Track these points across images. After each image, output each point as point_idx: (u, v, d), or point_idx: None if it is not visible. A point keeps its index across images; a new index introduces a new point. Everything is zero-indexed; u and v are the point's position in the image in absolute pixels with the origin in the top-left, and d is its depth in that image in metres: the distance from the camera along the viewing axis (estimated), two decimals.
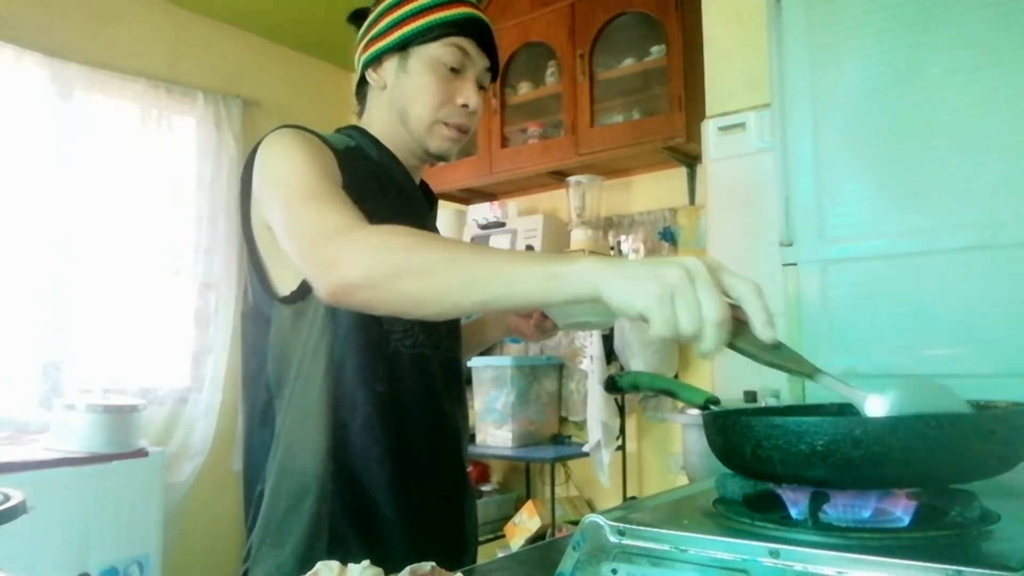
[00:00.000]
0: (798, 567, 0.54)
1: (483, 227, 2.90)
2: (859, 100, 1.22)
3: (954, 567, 0.48)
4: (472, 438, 2.85)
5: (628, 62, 2.61)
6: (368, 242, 0.74)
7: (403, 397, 0.96)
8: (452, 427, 1.04)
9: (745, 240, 1.51)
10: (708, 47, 1.61)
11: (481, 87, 1.04)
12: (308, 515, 0.91)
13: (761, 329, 0.59)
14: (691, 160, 2.60)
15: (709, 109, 1.59)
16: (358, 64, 1.06)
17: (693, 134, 2.27)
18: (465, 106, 1.01)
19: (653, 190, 2.78)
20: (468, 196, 3.16)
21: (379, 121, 1.05)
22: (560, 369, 2.92)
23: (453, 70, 1.00)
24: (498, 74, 1.07)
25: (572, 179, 2.70)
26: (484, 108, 1.10)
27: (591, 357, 2.54)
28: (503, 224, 2.87)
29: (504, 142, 2.85)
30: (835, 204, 1.24)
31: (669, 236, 2.61)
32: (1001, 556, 0.53)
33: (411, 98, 1.00)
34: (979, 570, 0.47)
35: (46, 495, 1.97)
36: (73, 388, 2.60)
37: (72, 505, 2.09)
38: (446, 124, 1.01)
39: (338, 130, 1.06)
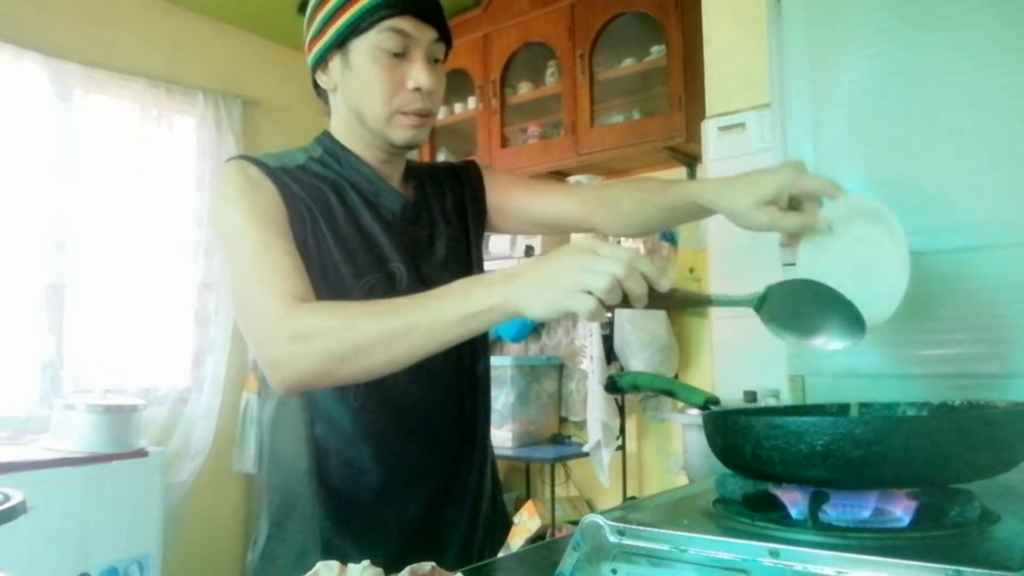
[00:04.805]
0: (798, 567, 0.54)
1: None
2: (859, 100, 1.22)
3: (954, 567, 0.48)
4: None
5: (628, 62, 2.61)
6: (300, 334, 0.77)
7: (388, 405, 0.93)
8: (457, 418, 1.00)
9: (745, 240, 1.51)
10: (708, 47, 1.61)
11: (436, 60, 0.96)
12: (295, 534, 0.91)
13: (658, 283, 0.68)
14: (691, 160, 2.60)
15: (709, 109, 1.59)
16: (307, 67, 1.00)
17: (693, 134, 2.27)
18: (418, 89, 0.93)
19: None
20: None
21: (340, 123, 1.00)
22: (560, 369, 2.92)
23: (398, 55, 0.92)
24: (451, 42, 0.98)
25: (572, 179, 2.70)
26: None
27: (591, 357, 2.54)
28: None
29: (504, 142, 2.85)
30: None
31: (669, 236, 2.61)
32: (1001, 556, 0.53)
33: (361, 95, 0.94)
34: (979, 570, 0.47)
35: (46, 495, 1.97)
36: (73, 388, 2.60)
37: (72, 505, 2.09)
38: (404, 113, 0.94)
39: (316, 138, 1.03)
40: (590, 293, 0.66)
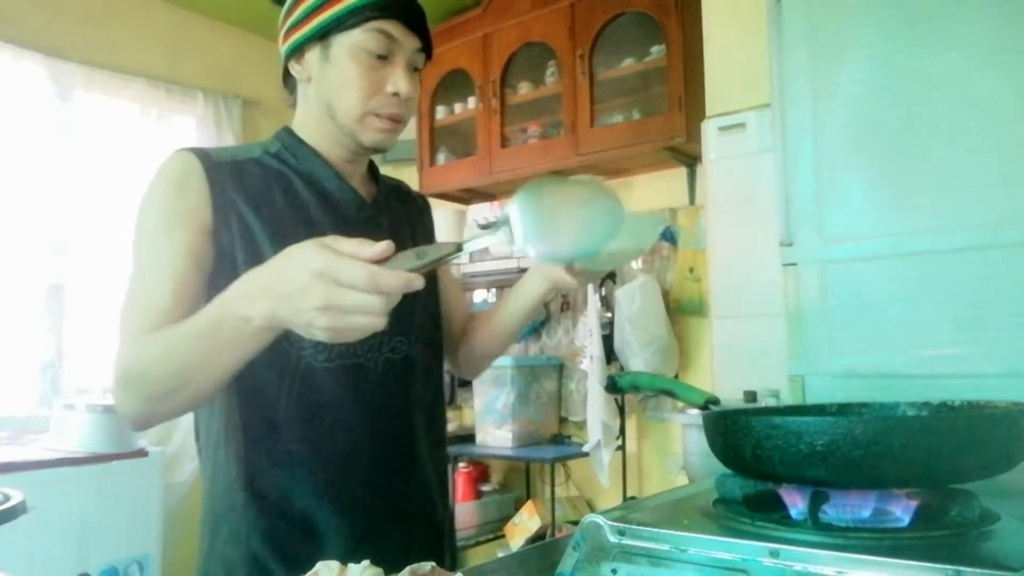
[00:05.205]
0: (798, 567, 0.54)
1: (483, 227, 2.90)
2: (859, 100, 1.22)
3: (954, 567, 0.48)
4: (472, 438, 2.85)
5: (628, 62, 2.61)
6: (123, 378, 0.79)
7: (320, 416, 0.90)
8: (395, 434, 0.96)
9: (745, 240, 1.51)
10: (708, 47, 1.61)
11: (416, 69, 0.96)
12: (225, 550, 0.89)
13: (408, 285, 0.64)
14: (691, 160, 2.60)
15: (709, 109, 1.59)
16: (280, 55, 0.98)
17: (693, 134, 2.27)
18: (396, 94, 0.92)
19: (653, 190, 2.78)
20: (468, 196, 3.16)
21: (308, 115, 0.98)
22: (560, 369, 2.92)
23: (380, 57, 0.91)
24: (431, 54, 0.98)
25: (572, 179, 2.69)
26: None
27: (591, 357, 2.54)
28: None
29: (504, 142, 2.85)
30: (835, 204, 1.24)
31: (669, 236, 2.61)
32: (1001, 556, 0.53)
33: (337, 90, 0.93)
34: (979, 570, 0.47)
35: (46, 495, 1.96)
36: (73, 388, 2.60)
37: (72, 505, 2.09)
38: (377, 115, 0.93)
39: (276, 133, 1.01)
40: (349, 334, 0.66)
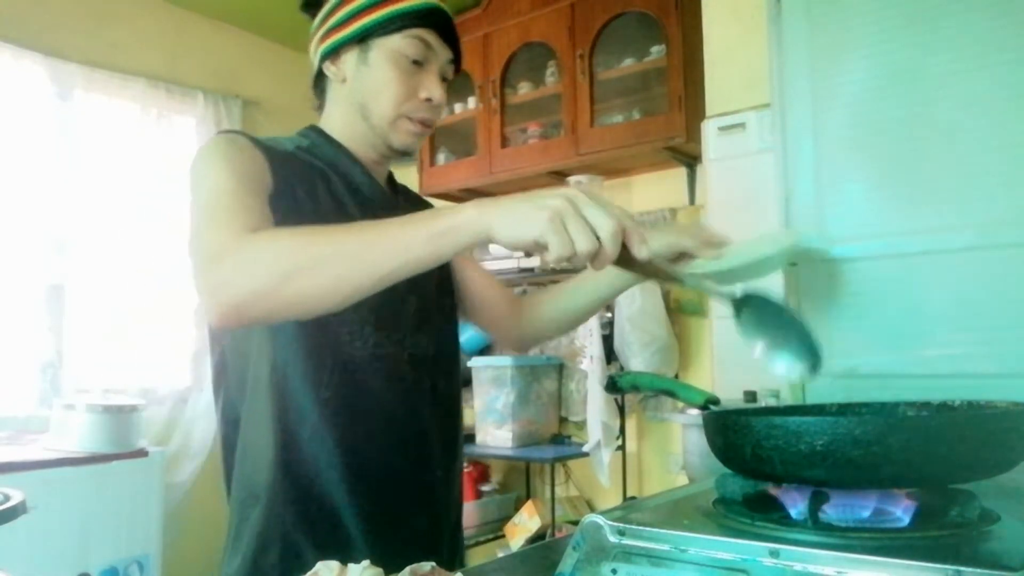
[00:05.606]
0: (798, 567, 0.54)
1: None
2: (859, 100, 1.22)
3: (954, 567, 0.48)
4: (472, 438, 2.85)
5: (628, 62, 2.61)
6: (248, 254, 0.72)
7: (355, 402, 0.93)
8: (419, 427, 1.00)
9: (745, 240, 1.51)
10: (708, 47, 1.61)
11: (444, 79, 1.01)
12: (257, 526, 0.90)
13: (639, 248, 0.65)
14: (691, 160, 2.60)
15: (709, 109, 1.59)
16: (314, 56, 1.02)
17: (693, 134, 2.27)
18: (429, 100, 0.98)
19: (653, 190, 2.78)
20: (468, 196, 3.15)
21: (339, 116, 1.02)
22: (560, 369, 2.92)
23: (416, 63, 0.97)
24: (460, 66, 1.04)
25: (572, 179, 2.70)
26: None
27: (591, 357, 2.54)
28: None
29: (504, 142, 2.85)
30: (835, 204, 1.24)
31: None
32: (1001, 556, 0.53)
33: (373, 92, 0.97)
34: (979, 570, 0.47)
35: (46, 495, 1.96)
36: (73, 388, 2.60)
37: (72, 505, 2.09)
38: (410, 119, 0.98)
39: (300, 131, 1.04)
40: (568, 237, 0.63)
